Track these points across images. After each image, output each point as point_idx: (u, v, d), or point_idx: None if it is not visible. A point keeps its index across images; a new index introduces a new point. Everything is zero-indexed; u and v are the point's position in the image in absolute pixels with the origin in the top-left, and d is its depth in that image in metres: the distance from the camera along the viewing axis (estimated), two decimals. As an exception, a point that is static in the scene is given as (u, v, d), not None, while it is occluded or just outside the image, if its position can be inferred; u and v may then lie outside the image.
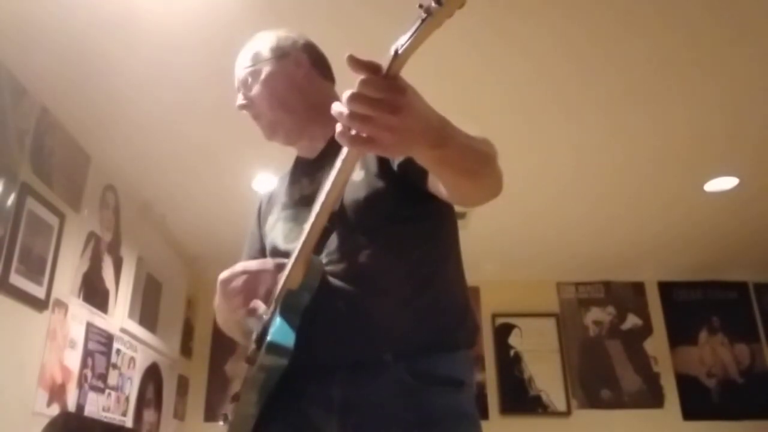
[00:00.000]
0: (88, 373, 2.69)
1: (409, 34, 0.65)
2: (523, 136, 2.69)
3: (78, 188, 2.67)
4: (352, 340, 1.03)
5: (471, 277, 1.20)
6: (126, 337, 3.11)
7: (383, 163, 1.09)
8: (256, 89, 1.22)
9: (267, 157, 2.46)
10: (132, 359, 3.19)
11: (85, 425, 2.61)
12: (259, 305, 1.05)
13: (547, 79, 2.33)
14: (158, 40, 2.09)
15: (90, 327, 2.71)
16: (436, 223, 1.13)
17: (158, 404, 3.58)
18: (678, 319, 4.32)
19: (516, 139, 2.69)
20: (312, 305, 1.03)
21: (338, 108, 0.70)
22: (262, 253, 1.29)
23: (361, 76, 0.67)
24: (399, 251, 1.07)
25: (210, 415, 4.01)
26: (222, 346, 4.08)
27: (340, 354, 1.03)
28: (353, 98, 0.68)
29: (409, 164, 0.99)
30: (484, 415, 3.96)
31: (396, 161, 1.05)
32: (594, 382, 4.15)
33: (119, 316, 3.04)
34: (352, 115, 0.68)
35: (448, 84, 2.32)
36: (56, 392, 2.41)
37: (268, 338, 1.00)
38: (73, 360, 2.57)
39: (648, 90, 2.39)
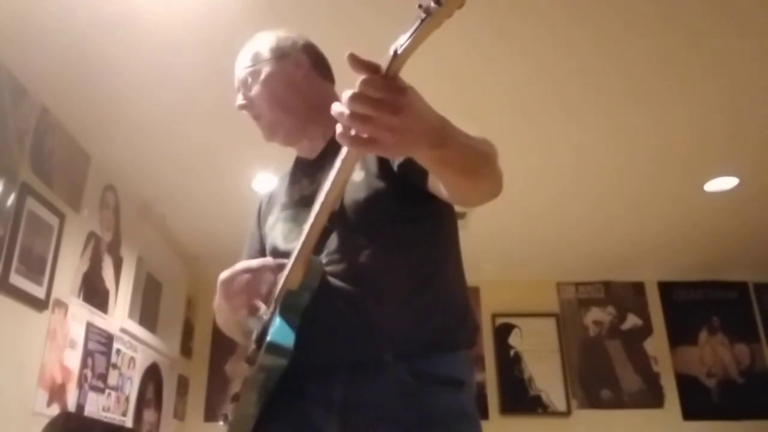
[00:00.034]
0: (88, 373, 2.69)
1: (408, 34, 0.65)
2: (523, 136, 2.70)
3: (78, 188, 2.67)
4: (352, 340, 1.03)
5: (471, 277, 1.20)
6: (126, 337, 3.11)
7: (383, 164, 1.09)
8: (255, 89, 1.22)
9: (267, 157, 2.46)
10: (132, 359, 3.19)
11: (85, 425, 2.61)
12: (260, 305, 1.05)
13: (547, 79, 2.33)
14: (158, 40, 2.09)
15: (90, 327, 2.72)
16: (436, 223, 1.13)
17: (158, 404, 3.58)
18: (678, 319, 4.32)
19: (516, 139, 2.70)
20: (312, 305, 1.04)
21: (338, 108, 0.70)
22: (262, 253, 1.29)
23: (360, 76, 0.67)
24: (399, 251, 1.07)
25: (210, 415, 4.01)
26: (222, 346, 4.08)
27: (340, 354, 1.03)
28: (354, 98, 0.67)
29: (409, 164, 0.99)
30: (484, 415, 3.96)
31: (396, 162, 1.05)
32: (594, 382, 4.15)
33: (119, 316, 3.04)
34: (353, 116, 0.68)
35: (448, 84, 2.32)
36: (56, 392, 2.41)
37: (268, 338, 1.00)
38: (73, 360, 2.57)
39: (648, 90, 2.39)
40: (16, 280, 2.16)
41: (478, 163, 0.86)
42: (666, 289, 4.40)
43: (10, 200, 2.17)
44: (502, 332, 4.28)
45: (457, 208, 1.15)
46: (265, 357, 1.00)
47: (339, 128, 0.71)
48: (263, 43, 1.25)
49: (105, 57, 2.16)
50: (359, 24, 2.00)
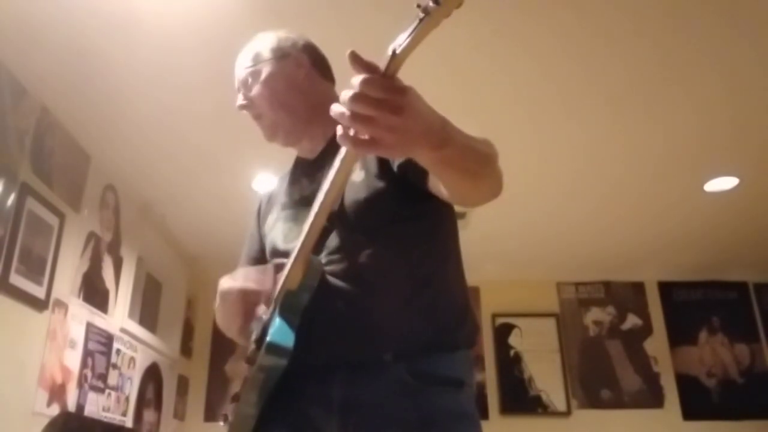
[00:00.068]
0: (88, 373, 2.69)
1: (406, 33, 0.65)
2: (525, 136, 2.70)
3: (78, 188, 2.67)
4: (351, 340, 1.03)
5: (471, 277, 1.20)
6: (126, 337, 3.11)
7: (383, 164, 1.09)
8: (256, 89, 1.22)
9: (267, 157, 2.46)
10: (132, 359, 3.19)
11: (85, 425, 2.61)
12: (259, 314, 1.08)
13: (549, 78, 2.33)
14: (158, 40, 2.09)
15: (90, 327, 2.72)
16: (436, 223, 1.13)
17: (158, 404, 3.58)
18: (678, 319, 4.32)
19: (517, 139, 2.70)
20: (311, 305, 1.04)
21: (338, 109, 0.69)
22: (261, 252, 1.29)
23: (356, 76, 0.67)
24: (399, 251, 1.07)
25: (210, 415, 4.01)
26: (222, 346, 4.07)
27: (339, 354, 1.03)
28: (354, 99, 0.67)
29: (408, 164, 0.99)
30: (484, 415, 3.96)
31: (396, 162, 1.05)
32: (594, 382, 4.15)
33: (119, 316, 3.04)
34: (354, 116, 0.68)
35: (451, 83, 2.31)
36: (56, 392, 2.41)
37: (268, 339, 1.00)
38: (73, 360, 2.57)
39: (649, 90, 2.39)
40: (16, 280, 2.16)
41: (479, 164, 0.86)
42: (666, 289, 4.40)
43: (10, 200, 2.17)
44: (502, 332, 4.28)
45: (457, 208, 1.15)
46: (264, 357, 1.00)
47: (340, 130, 0.71)
48: (264, 43, 1.25)
49: (105, 57, 2.16)
50: (360, 24, 2.00)
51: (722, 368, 4.20)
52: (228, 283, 1.13)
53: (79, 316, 2.62)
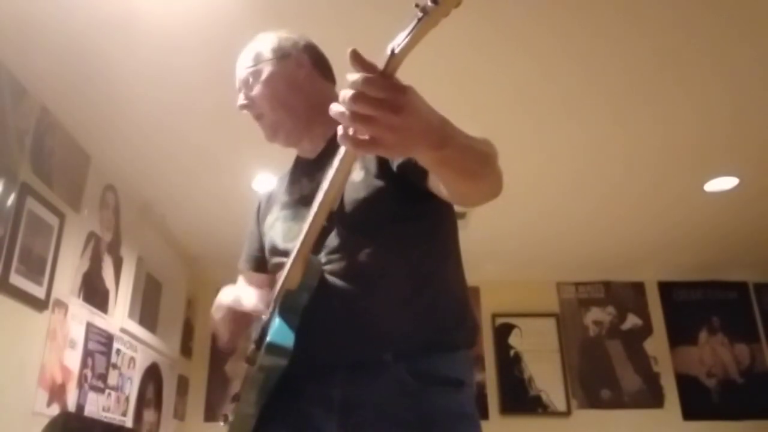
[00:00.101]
0: (88, 373, 2.69)
1: (405, 33, 0.65)
2: (525, 136, 2.69)
3: (78, 188, 2.67)
4: (351, 340, 1.03)
5: (471, 277, 1.20)
6: (126, 337, 3.11)
7: (383, 164, 1.09)
8: (257, 89, 1.22)
9: (267, 157, 2.46)
10: (132, 359, 3.19)
11: (85, 425, 2.61)
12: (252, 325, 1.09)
13: (550, 78, 2.33)
14: (158, 40, 2.09)
15: (90, 327, 2.72)
16: (435, 223, 1.13)
17: (158, 404, 3.58)
18: (678, 319, 4.32)
19: (517, 139, 2.69)
20: (311, 305, 1.04)
21: (338, 108, 0.69)
22: (261, 252, 1.29)
23: (354, 74, 0.67)
24: (399, 251, 1.07)
25: (210, 415, 4.01)
26: (222, 346, 4.07)
27: (339, 354, 1.03)
28: (354, 98, 0.67)
29: (408, 164, 0.99)
30: (484, 415, 3.96)
31: (396, 162, 1.05)
32: (594, 382, 4.15)
33: (119, 316, 3.04)
34: (354, 116, 0.68)
35: (450, 83, 2.31)
36: (56, 392, 2.41)
37: (268, 339, 1.00)
38: (73, 360, 2.57)
39: (649, 90, 2.39)
40: (16, 280, 2.16)
41: (479, 164, 0.86)
42: (666, 289, 4.40)
43: (10, 200, 2.17)
44: (502, 332, 4.28)
45: (457, 208, 1.15)
46: (264, 357, 1.00)
47: (340, 130, 0.71)
48: (265, 43, 1.25)
49: (105, 57, 2.16)
50: (360, 25, 2.00)
51: (722, 368, 4.20)
52: (224, 294, 1.13)
53: (79, 316, 2.62)
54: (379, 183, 1.09)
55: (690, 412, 4.05)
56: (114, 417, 2.95)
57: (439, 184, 0.95)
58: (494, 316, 4.29)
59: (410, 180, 1.03)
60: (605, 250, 3.97)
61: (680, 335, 4.28)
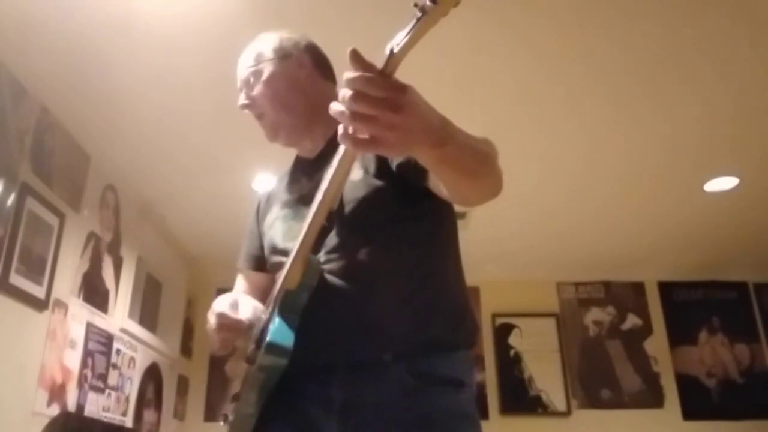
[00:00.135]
0: (88, 373, 2.69)
1: (404, 32, 0.65)
2: (525, 136, 2.69)
3: (78, 188, 2.67)
4: (351, 340, 1.03)
5: (471, 277, 1.20)
6: (126, 337, 3.11)
7: (382, 163, 1.09)
8: (258, 89, 1.22)
9: (267, 157, 2.46)
10: (132, 359, 3.19)
11: (85, 425, 2.61)
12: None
13: (550, 78, 2.32)
14: (158, 41, 2.09)
15: (90, 327, 2.71)
16: (435, 222, 1.13)
17: (158, 404, 3.58)
18: (678, 319, 4.32)
19: (518, 139, 2.69)
20: (311, 305, 1.04)
21: (338, 108, 0.69)
22: (261, 251, 1.29)
23: (350, 71, 0.67)
24: (398, 250, 1.07)
25: (210, 415, 4.01)
26: (222, 346, 4.07)
27: (339, 354, 1.03)
28: (354, 97, 0.67)
29: (408, 164, 0.99)
30: (484, 415, 3.96)
31: (395, 161, 1.05)
32: (594, 382, 4.15)
33: (119, 316, 3.04)
34: (354, 115, 0.68)
35: (452, 82, 2.31)
36: (56, 392, 2.41)
37: (267, 338, 1.00)
38: (73, 360, 2.57)
39: (649, 90, 2.39)
40: (16, 280, 2.16)
41: (479, 163, 0.86)
42: (666, 289, 4.40)
43: (10, 200, 2.17)
44: (502, 332, 4.28)
45: (457, 208, 1.15)
46: (264, 357, 1.00)
47: (341, 130, 0.71)
48: (266, 43, 1.25)
49: (105, 57, 2.16)
50: (360, 25, 2.00)
51: (722, 368, 4.20)
52: (217, 302, 1.12)
53: (79, 316, 2.62)
54: (378, 182, 1.09)
55: (690, 412, 4.05)
56: (114, 417, 2.95)
57: (438, 184, 0.95)
58: (494, 316, 4.29)
59: (410, 179, 1.03)
60: (605, 250, 3.97)
61: (680, 335, 4.28)
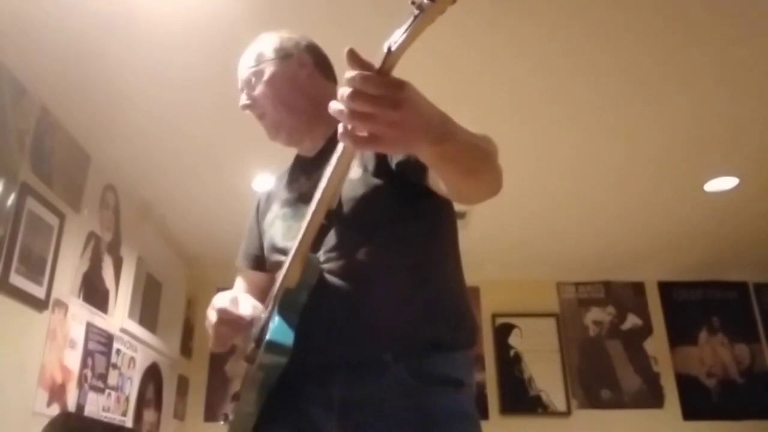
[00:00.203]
0: (88, 373, 2.69)
1: (401, 30, 0.65)
2: (524, 135, 2.69)
3: (78, 188, 2.67)
4: (351, 339, 1.03)
5: (471, 277, 1.20)
6: (126, 337, 3.11)
7: (381, 161, 1.09)
8: (259, 89, 1.22)
9: (267, 157, 2.46)
10: (132, 359, 3.19)
11: (85, 425, 2.61)
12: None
13: (548, 79, 2.33)
14: (158, 40, 2.09)
15: (90, 327, 2.72)
16: (434, 221, 1.13)
17: (158, 404, 3.58)
18: (678, 319, 4.32)
19: (517, 138, 2.69)
20: (310, 303, 1.04)
21: (337, 106, 0.69)
22: (260, 250, 1.29)
23: (351, 73, 0.67)
24: (397, 249, 1.07)
25: (210, 415, 4.01)
26: (222, 346, 4.07)
27: (339, 353, 1.03)
28: (353, 96, 0.67)
29: (407, 162, 0.99)
30: (484, 415, 3.96)
31: (394, 159, 1.05)
32: (594, 382, 4.15)
33: (119, 316, 3.04)
34: (353, 113, 0.68)
35: (448, 83, 2.31)
36: (56, 392, 2.41)
37: (267, 337, 1.00)
38: (73, 360, 2.57)
39: (648, 90, 2.39)
40: (16, 280, 2.16)
41: (479, 160, 0.86)
42: (666, 289, 4.40)
43: (10, 200, 2.17)
44: (502, 332, 4.27)
45: (457, 207, 1.15)
46: (264, 356, 1.00)
47: (341, 128, 0.71)
48: (267, 43, 1.26)
49: (105, 57, 2.16)
50: (359, 25, 1.99)
51: (722, 368, 4.20)
52: (217, 299, 1.12)
53: (79, 316, 2.62)
54: (377, 181, 1.09)
55: (690, 412, 4.05)
56: (114, 417, 2.95)
57: (438, 181, 0.95)
58: (494, 316, 4.29)
59: (409, 177, 1.02)
60: (605, 250, 3.97)
61: (680, 335, 4.28)
